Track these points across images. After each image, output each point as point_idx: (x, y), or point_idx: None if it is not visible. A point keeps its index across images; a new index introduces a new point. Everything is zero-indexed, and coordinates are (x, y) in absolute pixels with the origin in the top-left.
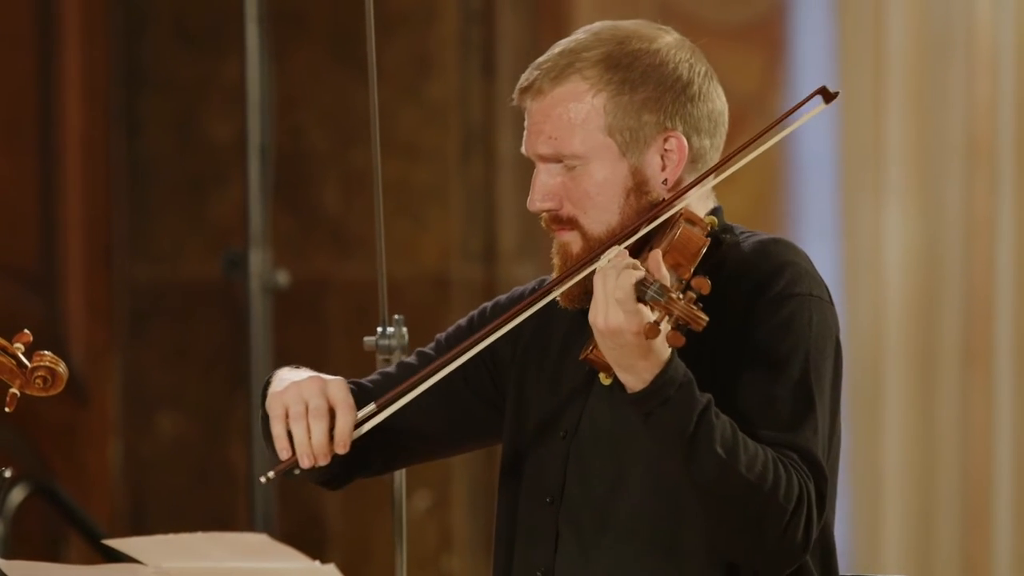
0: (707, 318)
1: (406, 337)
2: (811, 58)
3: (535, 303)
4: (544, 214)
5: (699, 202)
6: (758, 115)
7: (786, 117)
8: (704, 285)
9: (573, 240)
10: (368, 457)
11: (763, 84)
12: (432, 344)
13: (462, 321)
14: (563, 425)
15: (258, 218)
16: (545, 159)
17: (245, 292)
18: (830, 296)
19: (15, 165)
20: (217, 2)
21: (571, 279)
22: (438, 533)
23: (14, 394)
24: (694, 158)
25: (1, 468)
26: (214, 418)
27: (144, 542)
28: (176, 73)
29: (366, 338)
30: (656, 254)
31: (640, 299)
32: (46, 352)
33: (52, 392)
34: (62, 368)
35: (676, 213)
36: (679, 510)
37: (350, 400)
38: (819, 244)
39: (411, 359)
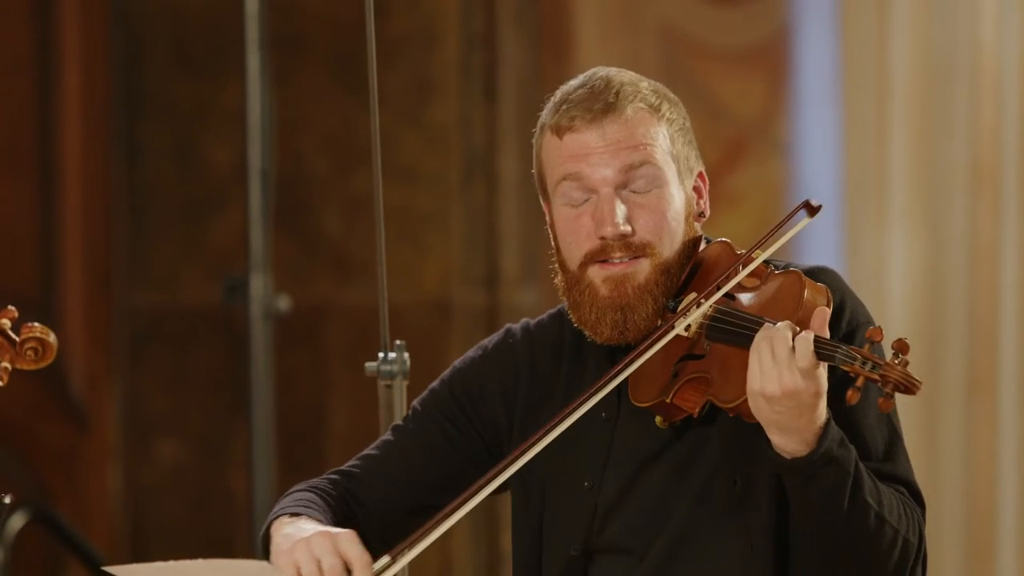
0: (922, 382)
1: (407, 363)
2: (814, 82)
3: (600, 390)
4: (599, 243)
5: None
6: (760, 139)
7: (775, 231)
8: (905, 347)
9: (640, 270)
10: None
11: (766, 108)
12: (409, 414)
13: (435, 384)
14: (585, 475)
15: (259, 243)
16: (631, 168)
17: (245, 318)
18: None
19: (14, 190)
20: (217, 26)
21: (651, 350)
22: (440, 559)
23: (5, 368)
24: None
25: (0, 494)
26: (214, 444)
27: (144, 568)
28: (176, 98)
29: (367, 364)
30: (822, 312)
31: (819, 359)
32: (35, 323)
33: (43, 364)
34: (52, 338)
35: (764, 264)
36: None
37: (365, 556)
38: None
39: (388, 436)
